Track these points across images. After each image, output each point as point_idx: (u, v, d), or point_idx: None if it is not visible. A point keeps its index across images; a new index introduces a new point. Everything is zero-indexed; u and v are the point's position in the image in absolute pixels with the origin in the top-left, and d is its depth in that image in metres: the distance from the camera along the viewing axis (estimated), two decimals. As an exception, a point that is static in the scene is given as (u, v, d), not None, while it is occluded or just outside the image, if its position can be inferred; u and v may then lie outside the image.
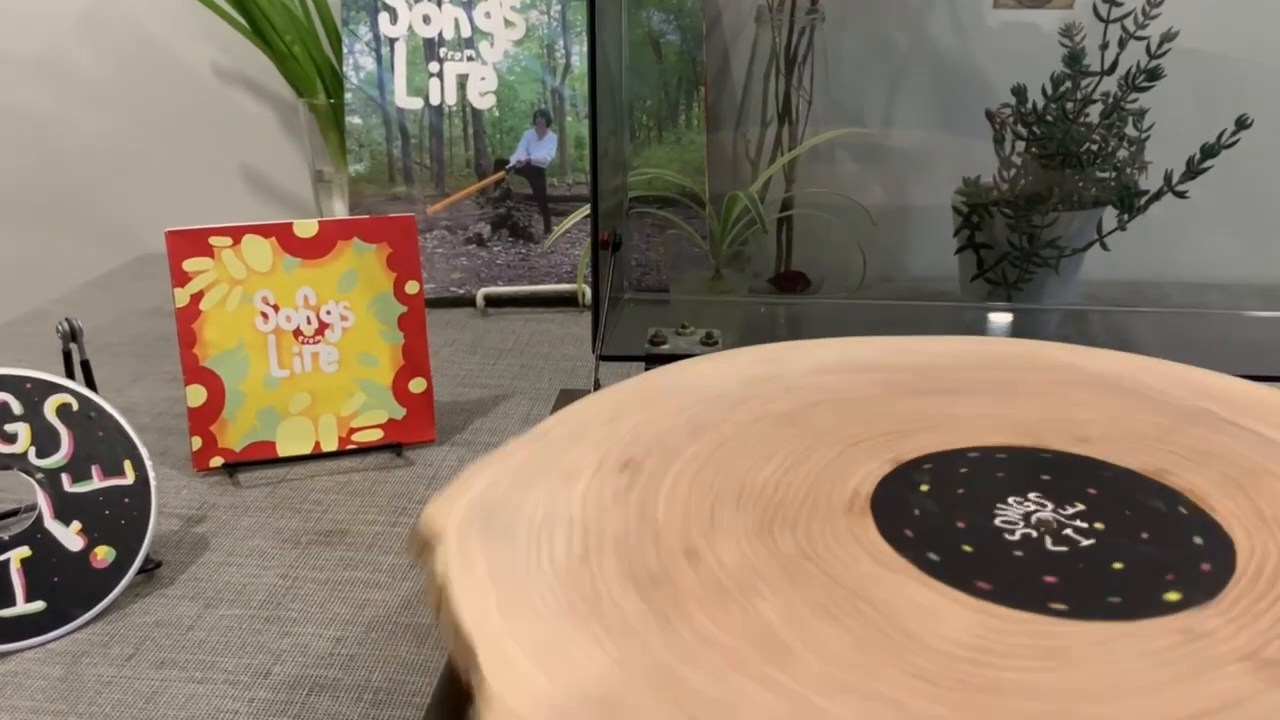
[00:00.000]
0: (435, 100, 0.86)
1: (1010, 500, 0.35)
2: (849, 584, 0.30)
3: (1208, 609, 0.29)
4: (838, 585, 0.30)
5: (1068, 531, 0.33)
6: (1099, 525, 0.33)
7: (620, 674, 0.26)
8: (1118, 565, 0.31)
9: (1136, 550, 0.32)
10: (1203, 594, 0.30)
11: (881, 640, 0.27)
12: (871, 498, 0.35)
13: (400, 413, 0.61)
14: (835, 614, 0.28)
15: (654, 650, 0.27)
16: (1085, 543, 0.32)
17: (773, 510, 0.34)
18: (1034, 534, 0.33)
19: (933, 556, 0.31)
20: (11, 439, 0.46)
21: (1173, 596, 0.29)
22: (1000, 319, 0.80)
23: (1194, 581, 0.30)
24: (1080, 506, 0.34)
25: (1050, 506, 0.34)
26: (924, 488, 0.35)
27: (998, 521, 0.33)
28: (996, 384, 0.44)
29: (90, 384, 0.50)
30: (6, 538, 0.45)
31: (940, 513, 0.34)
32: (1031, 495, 0.35)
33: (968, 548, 0.32)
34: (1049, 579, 0.30)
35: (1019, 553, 0.32)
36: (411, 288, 0.60)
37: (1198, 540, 0.33)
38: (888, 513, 0.34)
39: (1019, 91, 0.76)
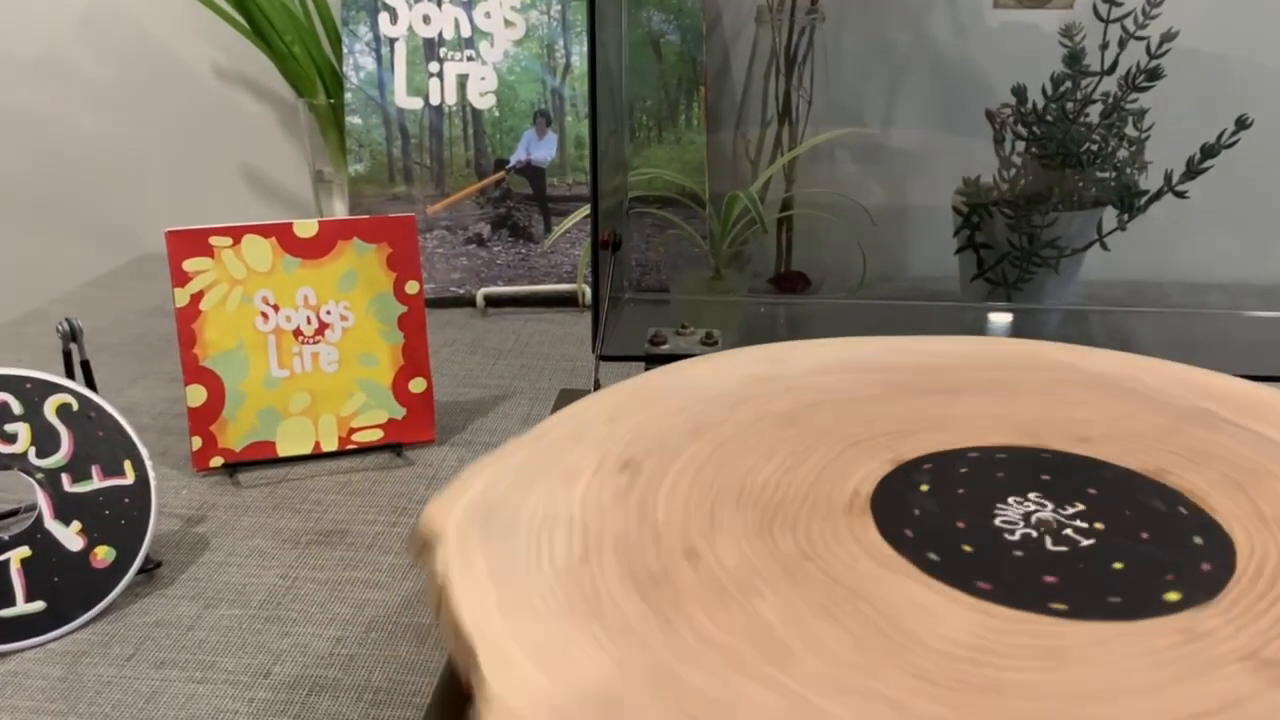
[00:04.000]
0: (435, 100, 0.86)
1: (1010, 500, 0.35)
2: (849, 584, 0.30)
3: (1207, 609, 0.29)
4: (838, 585, 0.30)
5: (1068, 531, 0.33)
6: (1099, 525, 0.33)
7: (620, 674, 0.26)
8: (1118, 565, 0.31)
9: (1136, 550, 0.32)
10: (1202, 594, 0.30)
11: (881, 640, 0.27)
12: (871, 497, 0.35)
13: (400, 413, 0.61)
14: (835, 614, 0.28)
15: (654, 650, 0.27)
16: (1085, 543, 0.32)
17: (773, 510, 0.34)
18: (1034, 534, 0.33)
19: (932, 556, 0.31)
20: (11, 439, 0.46)
21: (1173, 596, 0.29)
22: (1000, 319, 0.80)
23: (1194, 582, 0.30)
24: (1080, 506, 0.34)
25: (1050, 506, 0.34)
26: (924, 488, 0.35)
27: (998, 521, 0.33)
28: (996, 384, 0.44)
29: (90, 384, 0.50)
30: (6, 538, 0.45)
31: (940, 513, 0.34)
32: (1032, 495, 0.35)
33: (967, 548, 0.32)
34: (1049, 579, 0.30)
35: (1019, 553, 0.32)
36: (411, 288, 0.60)
37: (1198, 540, 0.33)
38: (888, 513, 0.34)
39: (1019, 91, 0.76)
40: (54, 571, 0.46)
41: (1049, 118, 0.75)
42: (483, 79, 0.86)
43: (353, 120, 0.86)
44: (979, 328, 0.79)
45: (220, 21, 0.92)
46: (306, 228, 0.58)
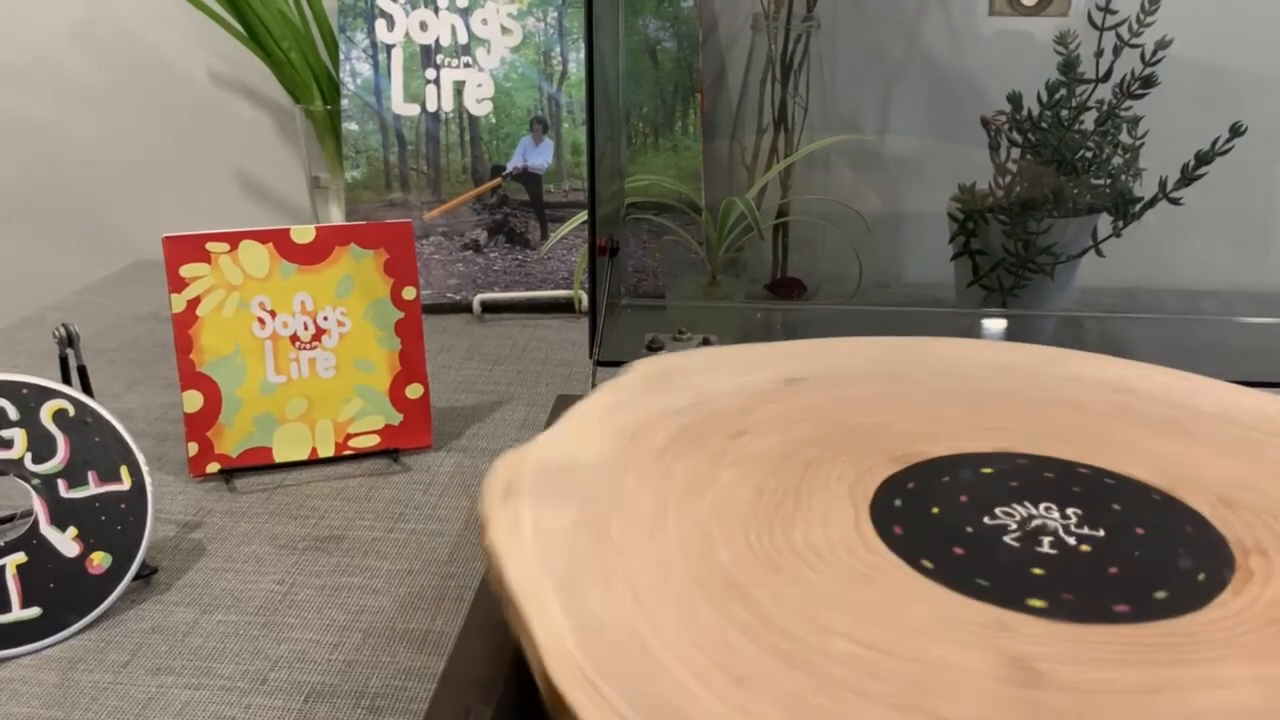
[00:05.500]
0: (432, 107, 0.86)
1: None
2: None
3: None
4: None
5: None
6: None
7: None
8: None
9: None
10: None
11: None
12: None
13: (397, 418, 0.61)
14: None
15: None
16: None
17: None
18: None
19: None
20: (8, 444, 0.46)
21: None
22: (995, 325, 0.80)
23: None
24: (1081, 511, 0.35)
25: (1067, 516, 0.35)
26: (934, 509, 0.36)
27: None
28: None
29: (87, 389, 0.50)
30: (2, 544, 0.45)
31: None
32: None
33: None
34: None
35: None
36: (408, 293, 0.60)
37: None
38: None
39: (1014, 98, 0.76)
40: (50, 577, 0.46)
41: (1044, 125, 0.75)
42: (479, 85, 0.86)
43: (349, 126, 0.86)
44: (974, 334, 0.79)
45: (217, 28, 0.92)
46: (304, 233, 0.58)
